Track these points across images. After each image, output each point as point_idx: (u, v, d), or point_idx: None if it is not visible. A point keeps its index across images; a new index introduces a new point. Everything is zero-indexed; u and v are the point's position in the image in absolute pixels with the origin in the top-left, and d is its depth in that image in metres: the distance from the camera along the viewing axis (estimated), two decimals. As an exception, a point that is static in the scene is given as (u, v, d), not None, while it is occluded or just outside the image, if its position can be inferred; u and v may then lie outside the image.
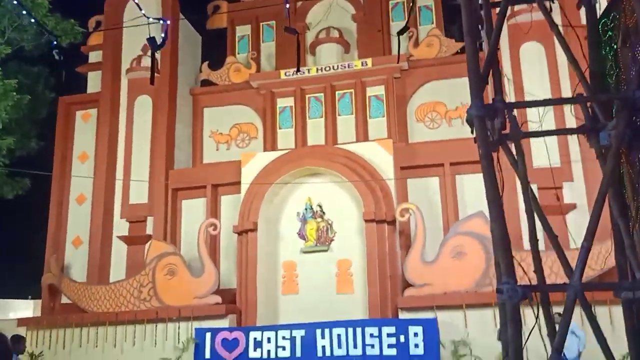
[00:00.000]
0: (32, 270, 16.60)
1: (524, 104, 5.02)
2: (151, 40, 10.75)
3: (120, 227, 14.84)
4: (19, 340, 5.49)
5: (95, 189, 15.02)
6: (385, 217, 12.34)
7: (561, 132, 5.13)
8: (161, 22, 11.88)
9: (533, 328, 4.23)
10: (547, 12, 4.58)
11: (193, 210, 14.79)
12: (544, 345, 4.12)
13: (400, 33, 12.41)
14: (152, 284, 13.03)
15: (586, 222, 12.56)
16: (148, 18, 11.51)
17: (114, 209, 14.95)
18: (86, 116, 15.91)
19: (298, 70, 13.08)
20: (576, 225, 12.41)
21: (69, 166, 15.62)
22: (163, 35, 11.28)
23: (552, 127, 12.93)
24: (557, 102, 4.61)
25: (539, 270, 4.36)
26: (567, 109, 12.82)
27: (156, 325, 12.63)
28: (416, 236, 12.06)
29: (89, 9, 16.19)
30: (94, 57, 16.42)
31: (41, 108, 16.38)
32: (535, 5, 4.89)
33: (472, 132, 4.39)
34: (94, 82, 16.19)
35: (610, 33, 4.54)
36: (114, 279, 14.34)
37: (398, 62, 13.61)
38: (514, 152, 4.67)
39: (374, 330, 11.14)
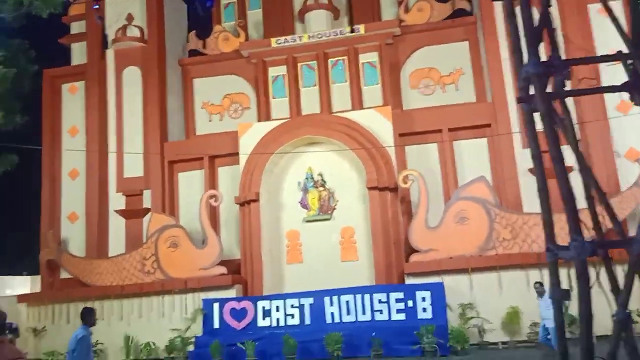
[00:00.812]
0: (25, 247, 16.35)
1: (579, 61, 4.94)
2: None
3: (117, 201, 14.66)
4: (90, 313, 5.49)
5: (88, 163, 14.77)
6: (388, 185, 12.47)
7: (606, 90, 5.15)
8: None
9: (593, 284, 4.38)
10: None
11: (190, 183, 14.69)
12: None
13: None
14: (156, 257, 13.00)
15: (581, 184, 12.78)
16: None
17: (109, 183, 14.74)
18: (73, 89, 15.49)
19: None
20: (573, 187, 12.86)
21: (59, 141, 15.27)
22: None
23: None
24: (606, 59, 4.61)
25: (597, 227, 4.46)
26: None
27: (163, 298, 12.66)
28: (420, 202, 12.25)
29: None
30: (77, 28, 15.88)
31: (24, 82, 15.81)
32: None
33: (522, 91, 4.44)
34: (79, 53, 15.72)
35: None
36: (114, 253, 14.26)
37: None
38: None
39: (383, 296, 11.38)
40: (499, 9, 13.69)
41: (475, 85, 14.49)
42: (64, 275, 14.53)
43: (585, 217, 4.93)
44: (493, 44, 13.49)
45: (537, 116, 3.96)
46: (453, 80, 14.70)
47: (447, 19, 14.89)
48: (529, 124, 4.45)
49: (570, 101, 7.07)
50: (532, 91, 4.45)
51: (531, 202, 12.76)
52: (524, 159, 13.00)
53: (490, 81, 13.55)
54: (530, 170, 12.91)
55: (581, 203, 5.11)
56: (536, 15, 4.12)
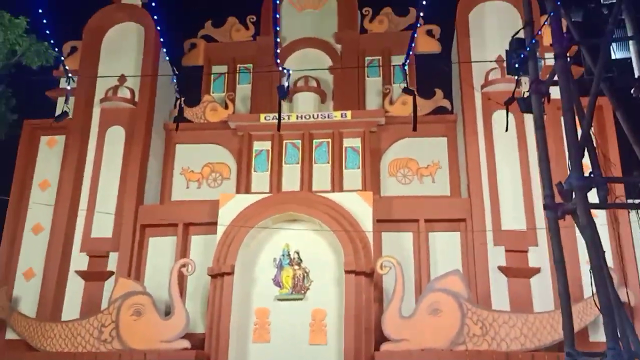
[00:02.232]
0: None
1: (617, 180, 5.27)
2: (280, 88, 11.14)
3: (79, 261, 14.08)
4: None
5: (55, 219, 14.23)
6: (365, 269, 12.44)
7: (622, 206, 5.49)
8: (285, 71, 12.32)
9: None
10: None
11: (160, 249, 14.29)
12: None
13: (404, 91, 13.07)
14: (116, 324, 12.32)
15: (549, 286, 13.31)
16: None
17: (73, 242, 14.20)
18: (52, 142, 15.21)
19: (279, 130, 13.25)
20: (540, 289, 13.11)
21: (28, 193, 14.77)
22: (287, 84, 11.55)
23: (520, 195, 13.78)
24: (637, 179, 4.91)
25: (633, 335, 4.55)
26: (535, 181, 13.70)
27: (118, 369, 11.89)
28: (395, 290, 12.19)
29: (67, 34, 15.66)
30: (65, 82, 15.81)
31: (1, 129, 15.49)
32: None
33: (547, 201, 4.67)
34: (63, 108, 15.52)
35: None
36: (67, 316, 13.51)
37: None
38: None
39: (350, 383, 11.02)
40: (479, 110, 14.47)
41: (451, 179, 14.97)
42: (10, 335, 13.60)
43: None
44: (472, 142, 14.08)
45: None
46: (430, 173, 15.16)
47: (428, 114, 15.56)
48: (553, 230, 4.66)
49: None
50: (558, 199, 4.70)
51: (500, 300, 12.92)
52: (494, 256, 13.28)
53: (468, 178, 14.00)
54: (500, 268, 13.19)
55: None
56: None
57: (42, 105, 15.76)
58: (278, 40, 13.77)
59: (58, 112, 15.58)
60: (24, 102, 15.87)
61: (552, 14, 4.82)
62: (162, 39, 14.52)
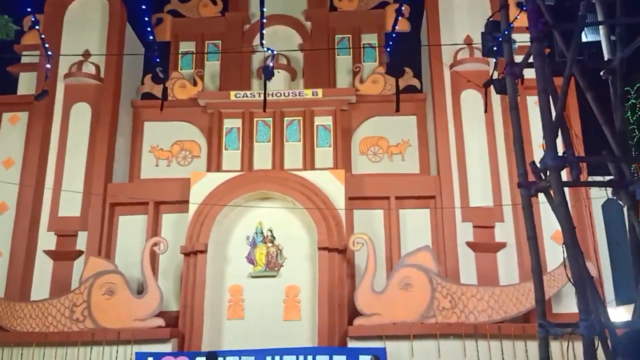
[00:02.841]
0: None
1: (588, 159, 5.50)
2: (266, 69, 10.99)
3: (47, 240, 13.84)
4: None
5: (20, 198, 13.91)
6: (338, 246, 12.63)
7: (593, 184, 5.73)
8: (269, 51, 12.05)
9: None
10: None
11: (130, 228, 14.16)
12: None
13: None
14: (87, 304, 12.24)
15: (515, 260, 13.80)
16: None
17: (40, 221, 13.92)
18: (15, 119, 14.75)
19: (264, 110, 13.21)
20: (505, 263, 13.59)
21: (-9, 171, 14.33)
22: (271, 64, 11.33)
23: (488, 173, 14.13)
24: (602, 158, 5.13)
25: (602, 307, 4.81)
26: (502, 159, 14.08)
27: (91, 348, 11.84)
28: (367, 266, 12.44)
29: (28, 7, 15.06)
30: (27, 57, 15.33)
31: (-40, 106, 14.92)
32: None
33: (520, 179, 4.87)
34: (26, 83, 15.10)
35: (633, 101, 5.27)
36: (36, 296, 13.31)
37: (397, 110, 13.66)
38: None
39: (325, 358, 11.27)
40: (448, 89, 14.70)
41: (420, 157, 15.23)
42: (-23, 317, 13.33)
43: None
44: (442, 121, 14.32)
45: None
46: (400, 150, 15.38)
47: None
48: (526, 207, 4.88)
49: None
50: (531, 178, 4.91)
51: (467, 274, 13.35)
52: (463, 231, 13.67)
53: (436, 155, 14.27)
54: (468, 244, 13.59)
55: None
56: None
57: (3, 81, 15.23)
58: (264, 20, 13.54)
59: (21, 87, 15.24)
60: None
61: (529, 0, 4.99)
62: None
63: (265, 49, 13.11)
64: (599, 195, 13.97)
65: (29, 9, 13.80)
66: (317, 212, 12.76)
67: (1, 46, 14.81)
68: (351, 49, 16.70)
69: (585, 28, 5.66)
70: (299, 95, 15.27)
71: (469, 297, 12.37)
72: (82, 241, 13.78)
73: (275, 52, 12.95)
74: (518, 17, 7.27)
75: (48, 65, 12.69)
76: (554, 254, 12.84)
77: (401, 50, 16.26)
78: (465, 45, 14.59)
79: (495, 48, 6.03)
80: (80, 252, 13.65)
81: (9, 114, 14.80)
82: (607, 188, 5.22)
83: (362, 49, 16.74)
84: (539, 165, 4.79)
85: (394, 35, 13.50)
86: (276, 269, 12.95)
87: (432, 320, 12.05)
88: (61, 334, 12.00)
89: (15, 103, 14.83)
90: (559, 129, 4.82)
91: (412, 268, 12.38)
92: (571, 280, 4.48)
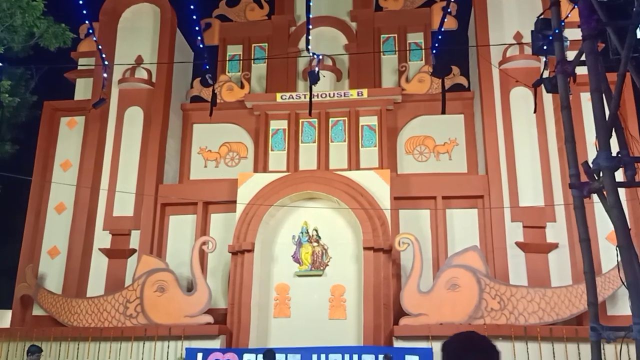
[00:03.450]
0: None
1: None
2: (311, 73, 11.22)
3: (102, 239, 14.41)
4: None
5: (77, 199, 14.51)
6: (383, 246, 12.62)
7: None
8: (314, 56, 12.30)
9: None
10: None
11: (180, 227, 14.57)
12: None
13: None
14: (140, 300, 12.66)
15: (567, 261, 13.42)
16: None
17: (96, 220, 14.50)
18: (72, 123, 15.40)
19: (310, 114, 13.33)
20: (557, 264, 13.25)
21: (50, 173, 15.02)
22: (317, 69, 11.64)
23: (539, 172, 13.81)
24: None
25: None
26: (553, 158, 13.75)
27: (143, 343, 12.25)
28: (413, 266, 12.38)
29: (84, 15, 15.71)
30: (83, 64, 15.97)
31: (21, 111, 15.70)
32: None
33: (573, 180, 4.78)
34: (82, 89, 15.74)
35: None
36: (91, 292, 13.89)
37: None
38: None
39: (371, 357, 11.30)
40: (497, 87, 14.45)
41: (468, 156, 15.02)
42: (36, 311, 14.02)
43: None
44: (490, 119, 14.09)
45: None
46: (447, 150, 15.21)
47: (445, 92, 15.50)
48: (578, 209, 4.78)
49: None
50: (584, 178, 4.81)
51: (517, 275, 13.09)
52: (512, 232, 13.41)
53: (485, 154, 14.05)
54: (517, 244, 13.32)
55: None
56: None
57: (61, 87, 15.92)
58: (310, 27, 13.66)
59: (77, 93, 15.90)
60: (43, 84, 16.03)
61: (581, -4, 4.88)
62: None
63: (312, 54, 13.17)
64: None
65: (85, 19, 14.37)
66: (363, 212, 12.78)
67: (59, 53, 15.57)
68: (397, 49, 16.64)
69: (640, 24, 5.49)
70: (344, 95, 15.32)
71: (518, 298, 12.14)
72: (135, 240, 14.28)
73: (320, 57, 13.00)
74: (569, 14, 7.09)
75: (105, 75, 13.17)
76: (609, 255, 12.43)
77: (448, 47, 16.09)
78: (514, 42, 14.30)
79: (545, 47, 5.92)
80: (133, 251, 14.14)
81: (67, 118, 15.46)
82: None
83: (407, 49, 16.65)
84: (591, 165, 4.68)
85: (440, 34, 13.31)
86: (322, 268, 13.06)
87: (480, 321, 11.88)
88: (115, 329, 12.46)
89: (72, 108, 15.48)
90: (613, 129, 4.69)
91: (459, 268, 12.24)
92: (624, 282, 4.36)
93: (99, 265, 14.23)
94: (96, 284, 14.02)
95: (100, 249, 14.24)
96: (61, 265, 14.24)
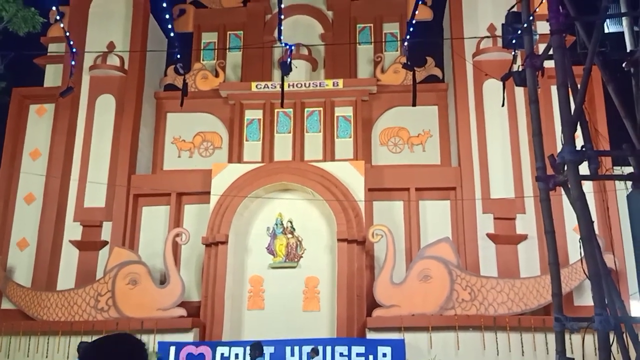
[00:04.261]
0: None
1: (606, 153, 5.40)
2: (283, 64, 11.03)
3: (73, 230, 14.14)
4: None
5: (47, 189, 14.21)
6: (357, 237, 12.64)
7: (615, 177, 5.64)
8: (285, 46, 12.04)
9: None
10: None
11: (153, 218, 14.39)
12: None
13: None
14: (112, 293, 12.49)
15: (536, 252, 13.63)
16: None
17: (66, 211, 14.22)
18: (41, 110, 15.05)
19: (282, 105, 13.17)
20: (526, 256, 13.44)
21: (19, 162, 14.69)
22: (289, 59, 11.38)
23: (509, 164, 13.94)
24: (623, 153, 5.04)
25: (619, 301, 4.75)
26: (524, 150, 13.89)
27: (115, 337, 12.07)
28: (387, 258, 12.44)
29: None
30: (54, 49, 15.58)
31: (-12, 98, 15.31)
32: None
33: (539, 173, 4.80)
34: (52, 75, 15.37)
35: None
36: (62, 285, 13.65)
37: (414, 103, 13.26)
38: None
39: (344, 349, 11.34)
40: (470, 79, 14.51)
41: (441, 148, 15.10)
42: (5, 305, 13.72)
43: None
44: (463, 112, 14.16)
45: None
46: (421, 141, 15.27)
47: (420, 83, 15.50)
48: (544, 201, 4.82)
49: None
50: (550, 171, 4.85)
51: (487, 266, 13.24)
52: (483, 223, 13.55)
53: (457, 146, 14.13)
54: (488, 235, 13.47)
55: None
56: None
57: (30, 73, 15.52)
58: (282, 17, 13.48)
59: (47, 80, 15.51)
60: (12, 70, 15.60)
61: (549, -9, 4.89)
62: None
63: (283, 45, 13.01)
64: (626, 187, 13.70)
65: (54, 3, 13.97)
66: (337, 204, 12.77)
67: (28, 38, 15.15)
68: (373, 39, 16.58)
69: (608, 19, 5.52)
70: (320, 85, 15.25)
71: (488, 289, 12.29)
72: (106, 232, 14.06)
73: (293, 47, 12.86)
74: (537, 9, 7.12)
75: (73, 62, 12.84)
76: (576, 246, 12.62)
77: (422, 40, 16.07)
78: (488, 34, 14.36)
79: (514, 41, 5.93)
80: (105, 243, 13.93)
81: (36, 105, 15.10)
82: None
83: (383, 39, 16.61)
84: (557, 159, 4.71)
85: (412, 25, 13.27)
86: (296, 260, 13.03)
87: (451, 312, 12.01)
88: (86, 323, 12.28)
89: (42, 95, 15.11)
90: (578, 123, 4.73)
91: (431, 260, 12.33)
92: (587, 274, 4.42)
93: (69, 257, 13.98)
94: (66, 277, 13.78)
95: (70, 241, 13.98)
96: (30, 257, 13.95)
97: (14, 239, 14.22)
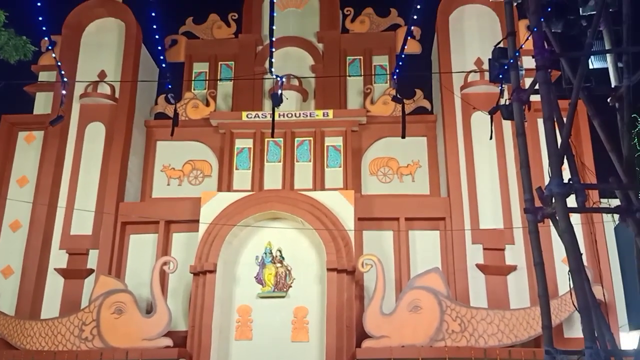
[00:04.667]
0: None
1: (593, 186, 5.52)
2: (274, 95, 11.15)
3: (58, 258, 13.97)
4: None
5: (33, 216, 14.08)
6: (346, 267, 12.60)
7: (602, 210, 5.76)
8: (278, 78, 12.16)
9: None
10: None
11: (141, 247, 14.26)
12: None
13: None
14: (97, 323, 12.28)
15: (525, 283, 13.69)
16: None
17: (52, 239, 14.07)
18: (30, 138, 15.02)
19: (272, 135, 13.26)
20: (516, 286, 13.45)
21: (5, 189, 14.56)
22: (280, 91, 11.64)
23: (498, 195, 14.07)
24: (611, 187, 5.14)
25: (609, 334, 4.77)
26: (512, 181, 14.05)
27: (99, 368, 11.86)
28: (376, 288, 12.39)
29: (46, 29, 15.38)
30: (44, 78, 15.64)
31: (-23, 124, 15.21)
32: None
33: (527, 205, 4.87)
34: (42, 103, 15.39)
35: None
36: (46, 314, 13.42)
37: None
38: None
39: (332, 380, 11.20)
40: (459, 111, 14.74)
41: (430, 178, 15.23)
42: (-14, 334, 13.43)
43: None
44: (452, 143, 14.33)
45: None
46: (410, 172, 15.40)
47: (409, 114, 15.69)
48: (533, 233, 4.88)
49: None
50: (538, 203, 4.92)
51: (477, 297, 13.23)
52: (473, 254, 13.58)
53: (447, 177, 14.26)
54: (478, 266, 13.49)
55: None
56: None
57: (20, 101, 15.52)
58: (273, 50, 13.68)
59: (37, 107, 15.52)
60: (1, 97, 15.56)
61: (535, 30, 5.02)
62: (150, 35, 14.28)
63: (275, 77, 13.17)
64: (613, 219, 13.86)
65: (47, 32, 14.03)
66: (327, 233, 12.77)
67: (19, 66, 15.16)
68: (362, 72, 16.83)
69: (592, 55, 5.69)
70: (310, 116, 15.41)
71: (478, 320, 12.25)
72: (93, 260, 13.89)
73: (284, 79, 13.03)
74: (523, 46, 7.34)
75: (63, 92, 12.89)
76: (565, 277, 12.65)
77: (411, 73, 16.34)
78: (475, 68, 14.65)
79: (501, 75, 6.08)
80: (91, 271, 13.76)
81: (25, 133, 15.07)
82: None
83: (373, 72, 16.88)
84: (545, 191, 4.79)
85: (401, 60, 13.52)
86: (285, 289, 12.94)
87: (441, 343, 11.94)
88: (70, 353, 12.05)
89: (31, 123, 15.10)
90: (565, 156, 4.82)
91: (421, 290, 12.30)
92: (577, 307, 4.45)
93: (54, 285, 13.77)
94: (51, 306, 13.55)
95: (56, 269, 13.80)
96: (15, 285, 13.71)
97: (-1, 266, 13.99)
